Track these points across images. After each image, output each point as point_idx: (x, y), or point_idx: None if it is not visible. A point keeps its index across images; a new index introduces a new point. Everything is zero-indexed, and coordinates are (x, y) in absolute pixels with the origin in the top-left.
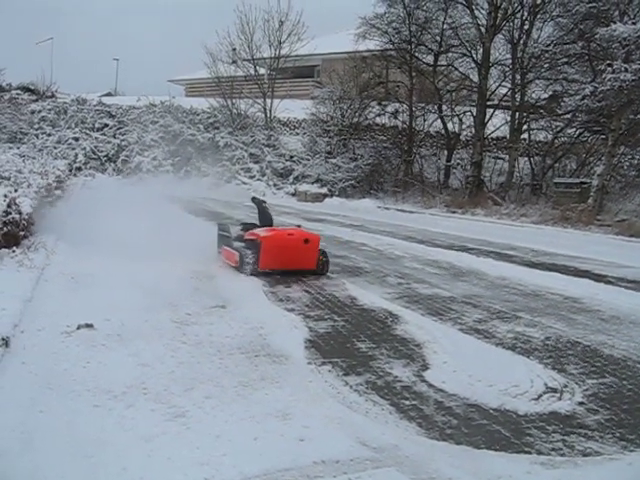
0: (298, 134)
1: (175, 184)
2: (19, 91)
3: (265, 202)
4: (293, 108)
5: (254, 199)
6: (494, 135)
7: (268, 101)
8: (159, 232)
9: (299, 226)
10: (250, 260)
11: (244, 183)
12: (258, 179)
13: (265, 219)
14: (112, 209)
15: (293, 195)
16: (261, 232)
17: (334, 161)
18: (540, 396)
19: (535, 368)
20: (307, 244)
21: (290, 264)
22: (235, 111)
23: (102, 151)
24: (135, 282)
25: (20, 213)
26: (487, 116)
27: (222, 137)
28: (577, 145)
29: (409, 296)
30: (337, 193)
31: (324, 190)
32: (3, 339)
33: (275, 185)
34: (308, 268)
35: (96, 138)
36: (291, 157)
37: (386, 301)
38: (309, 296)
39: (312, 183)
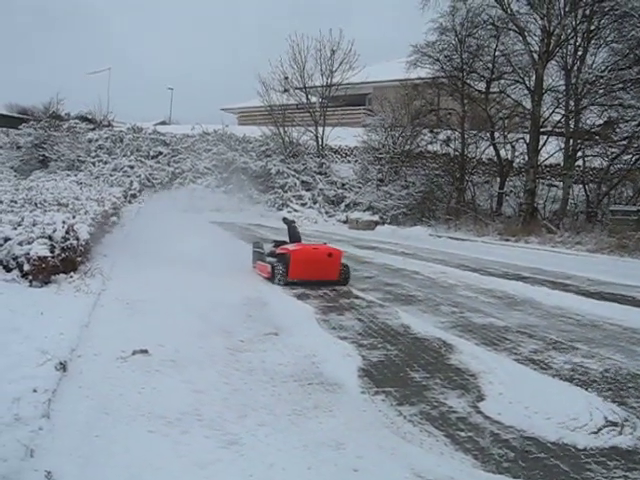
0: (350, 162)
1: (228, 211)
2: (77, 120)
3: (294, 222)
4: (345, 136)
5: (285, 219)
6: (548, 162)
7: (320, 129)
8: (211, 259)
9: (326, 243)
10: (281, 271)
11: (296, 210)
12: (310, 207)
13: (294, 236)
14: (165, 236)
15: (344, 223)
16: (290, 247)
17: (386, 189)
18: (600, 430)
19: (594, 401)
20: (330, 257)
21: (315, 275)
22: (287, 139)
23: (157, 178)
24: (189, 308)
25: (78, 239)
26: (540, 143)
27: (274, 165)
28: (634, 172)
29: (463, 325)
30: (389, 221)
31: (376, 218)
32: (61, 363)
33: (327, 213)
34: (331, 279)
35: (151, 166)
36: (343, 185)
37: (440, 330)
38: (362, 324)
39: (364, 211)
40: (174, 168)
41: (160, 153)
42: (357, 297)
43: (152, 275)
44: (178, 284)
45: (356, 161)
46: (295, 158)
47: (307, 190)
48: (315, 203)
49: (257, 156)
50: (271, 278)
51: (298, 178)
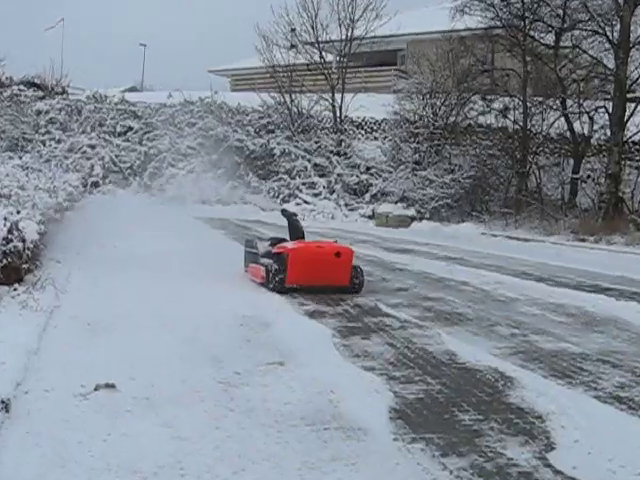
0: (377, 139)
1: (218, 203)
2: (22, 87)
3: (296, 215)
4: (370, 105)
5: (284, 212)
6: (637, 138)
7: (338, 96)
8: (197, 265)
9: (336, 241)
10: (277, 274)
11: (306, 202)
12: (325, 197)
13: (296, 233)
14: (137, 236)
15: (370, 218)
16: (289, 245)
17: (424, 174)
18: None
19: None
20: (339, 258)
21: (320, 279)
22: (295, 110)
23: (125, 162)
24: (168, 330)
25: (24, 241)
26: (627, 113)
27: (278, 143)
28: None
29: (526, 352)
30: (428, 216)
31: (411, 212)
32: (3, 402)
33: (347, 205)
34: (340, 285)
35: (117, 145)
36: (368, 169)
37: (496, 358)
38: (394, 350)
39: (395, 202)
40: (148, 148)
41: (130, 129)
42: (387, 315)
43: (120, 286)
44: (154, 298)
45: (385, 138)
46: (305, 134)
47: (321, 176)
48: (332, 193)
49: (256, 132)
50: (265, 283)
51: (309, 160)
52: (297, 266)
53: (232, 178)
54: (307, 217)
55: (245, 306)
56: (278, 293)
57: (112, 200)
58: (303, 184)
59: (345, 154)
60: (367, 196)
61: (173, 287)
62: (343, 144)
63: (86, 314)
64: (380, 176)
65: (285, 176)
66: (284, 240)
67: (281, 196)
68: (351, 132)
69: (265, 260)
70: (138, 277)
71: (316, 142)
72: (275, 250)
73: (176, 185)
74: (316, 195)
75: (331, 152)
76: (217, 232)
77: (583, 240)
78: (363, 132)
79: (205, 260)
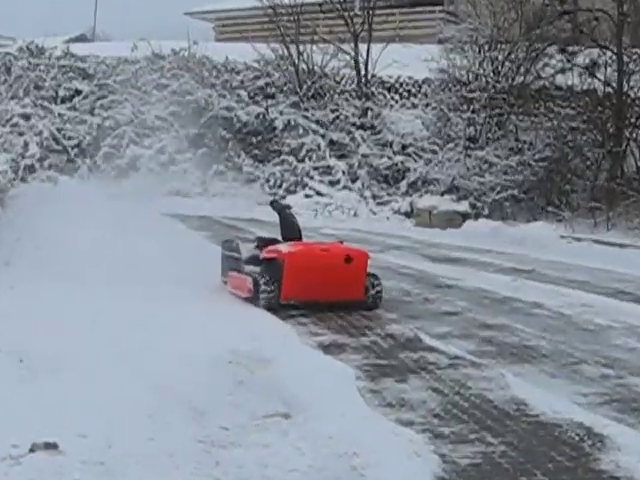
0: (416, 106)
1: (199, 195)
2: None
3: (290, 207)
4: (407, 60)
5: (274, 204)
6: None
7: (362, 48)
8: (170, 278)
9: (341, 242)
10: (268, 287)
11: (319, 194)
12: (345, 187)
13: (290, 231)
14: (90, 240)
15: (407, 216)
16: (284, 248)
17: (481, 154)
18: None
19: None
20: (349, 264)
21: (325, 292)
22: (304, 67)
23: (71, 138)
24: (131, 368)
25: None
26: None
27: (281, 112)
28: None
29: (623, 400)
30: (487, 212)
31: (463, 207)
32: None
33: (375, 198)
34: (352, 299)
35: (60, 116)
36: (404, 148)
37: (581, 409)
38: (440, 398)
39: (442, 194)
40: (102, 119)
41: (77, 93)
42: (431, 349)
43: (66, 309)
44: (111, 324)
45: (427, 105)
46: (318, 100)
47: (340, 158)
48: (354, 181)
49: (250, 97)
50: (253, 298)
51: (324, 136)
52: (295, 275)
53: (218, 161)
54: (320, 214)
55: (235, 335)
56: (268, 311)
57: (53, 191)
58: (315, 169)
59: (372, 127)
60: (403, 185)
61: (137, 309)
62: (370, 114)
63: (19, 348)
64: (421, 158)
65: (290, 158)
66: (275, 241)
67: (285, 185)
68: (381, 97)
69: (251, 268)
70: (90, 296)
71: (333, 111)
72: (265, 255)
73: (141, 170)
74: (333, 184)
75: (353, 125)
76: (196, 235)
77: None
78: (397, 97)
79: (179, 272)
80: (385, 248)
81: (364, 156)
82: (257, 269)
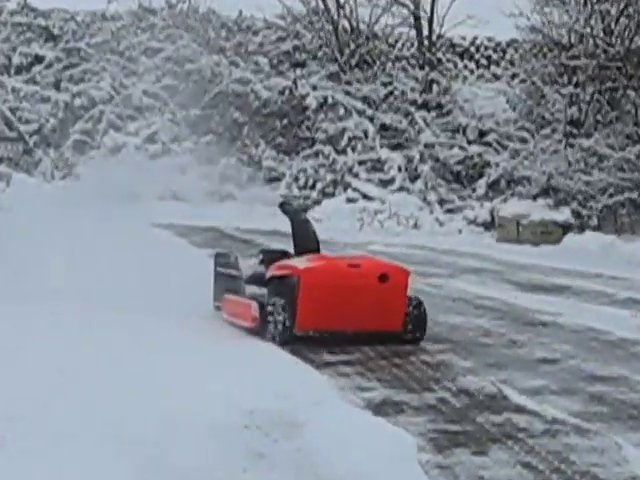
0: (498, 78)
1: (204, 199)
2: None
3: (305, 210)
4: (485, 14)
5: (284, 205)
6: None
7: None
8: (165, 310)
9: (374, 256)
10: (280, 316)
11: (366, 197)
12: (401, 187)
13: (305, 241)
14: (55, 264)
15: (487, 227)
16: (299, 263)
17: (588, 144)
18: None
19: None
20: (384, 283)
21: (353, 321)
22: (345, 24)
23: (29, 121)
24: (112, 437)
25: None
26: None
27: (314, 87)
28: None
29: None
30: (595, 222)
31: (563, 215)
32: None
33: (442, 203)
34: (387, 329)
35: (15, 91)
36: (482, 135)
37: None
38: (533, 476)
39: (534, 198)
40: (71, 96)
41: (38, 60)
42: (520, 409)
43: (24, 356)
44: (86, 376)
45: (514, 77)
46: (365, 71)
47: (395, 148)
48: (415, 180)
49: (273, 66)
50: (259, 329)
51: (373, 119)
52: (314, 298)
53: (228, 152)
54: (367, 225)
55: (250, 388)
56: (281, 345)
57: (3, 193)
58: (361, 163)
59: (439, 107)
60: (480, 185)
61: (120, 355)
62: (435, 89)
63: None
64: (505, 148)
65: (327, 148)
66: (284, 254)
67: (319, 185)
68: (450, 66)
69: (254, 289)
70: (55, 339)
71: (385, 85)
72: (274, 272)
73: (124, 165)
74: (385, 184)
75: (413, 103)
76: (200, 253)
77: None
78: (473, 66)
79: (177, 303)
80: (456, 271)
81: (428, 146)
82: (263, 291)
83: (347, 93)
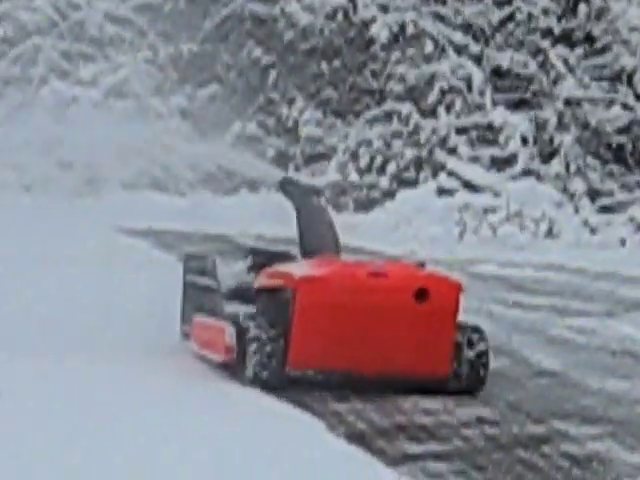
0: None
1: (203, 188)
2: None
3: (319, 194)
4: None
5: (285, 184)
6: None
7: None
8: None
9: (423, 265)
10: (263, 343)
11: (469, 185)
12: (527, 171)
13: (315, 237)
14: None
15: None
16: (297, 269)
17: None
18: None
19: None
20: (423, 303)
21: (374, 359)
22: None
23: None
24: None
25: None
26: None
27: (384, 7)
28: None
29: None
30: None
31: None
32: None
33: (595, 195)
34: (425, 374)
35: None
36: None
37: None
38: None
39: None
40: None
41: None
42: None
43: None
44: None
45: None
46: None
47: (517, 107)
48: (549, 158)
49: None
50: (236, 364)
51: (480, 59)
52: (316, 322)
53: (244, 113)
54: (471, 231)
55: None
56: (267, 389)
57: None
58: (461, 131)
59: (590, 40)
60: None
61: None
62: (584, 9)
63: None
64: None
65: (406, 107)
66: (287, 256)
67: (392, 166)
68: None
69: (236, 308)
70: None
71: (501, 4)
72: (261, 282)
73: (74, 133)
74: (501, 165)
75: (547, 34)
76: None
77: None
78: None
79: (165, 354)
80: (617, 307)
81: (571, 104)
82: (248, 309)
83: (439, 17)
